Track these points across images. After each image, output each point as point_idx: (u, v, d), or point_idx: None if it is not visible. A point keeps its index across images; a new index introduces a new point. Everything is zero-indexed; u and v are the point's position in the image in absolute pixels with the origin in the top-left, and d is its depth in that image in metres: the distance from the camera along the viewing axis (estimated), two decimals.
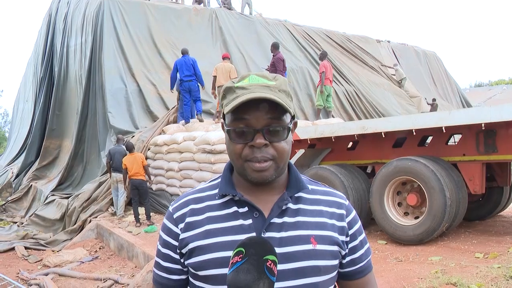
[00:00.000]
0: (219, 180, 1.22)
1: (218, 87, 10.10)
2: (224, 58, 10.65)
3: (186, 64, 9.99)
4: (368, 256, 1.25)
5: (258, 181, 1.12)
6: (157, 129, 10.36)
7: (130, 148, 8.74)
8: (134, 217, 8.42)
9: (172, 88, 10.48)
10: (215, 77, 10.22)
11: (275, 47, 10.44)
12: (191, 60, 10.06)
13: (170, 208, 1.22)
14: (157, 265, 1.23)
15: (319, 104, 11.64)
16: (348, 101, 15.02)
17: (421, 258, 4.80)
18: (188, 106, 10.19)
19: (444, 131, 5.26)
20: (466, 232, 5.89)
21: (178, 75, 10.26)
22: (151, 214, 8.73)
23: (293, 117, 1.17)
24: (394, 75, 18.13)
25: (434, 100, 17.93)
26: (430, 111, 17.52)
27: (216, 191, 1.19)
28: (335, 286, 1.21)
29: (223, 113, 1.17)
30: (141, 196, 8.58)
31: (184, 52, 10.21)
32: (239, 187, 1.18)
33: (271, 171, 1.11)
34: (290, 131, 1.15)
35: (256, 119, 1.09)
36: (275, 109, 1.10)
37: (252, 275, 0.96)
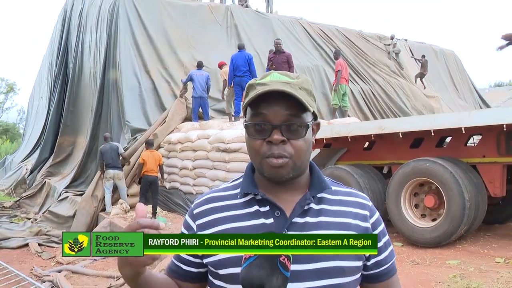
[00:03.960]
0: (241, 180, 1.23)
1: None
2: (221, 65, 11.15)
3: (241, 59, 10.03)
4: (392, 258, 1.24)
5: (274, 178, 1.12)
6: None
7: (150, 145, 9.21)
8: None
9: (229, 84, 10.42)
10: (225, 80, 10.55)
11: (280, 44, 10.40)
12: (247, 56, 10.11)
13: (193, 204, 1.25)
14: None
15: (335, 103, 11.54)
16: (364, 100, 14.95)
17: (438, 262, 4.76)
18: (239, 100, 10.20)
19: (464, 132, 5.19)
20: (486, 235, 5.83)
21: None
22: (164, 213, 8.82)
23: (315, 118, 1.17)
24: (392, 46, 18.40)
25: (423, 56, 17.99)
26: (421, 68, 17.72)
27: (238, 190, 1.20)
28: None
29: (244, 111, 1.18)
30: (152, 192, 8.92)
31: (241, 47, 10.33)
32: (261, 186, 1.18)
33: (287, 169, 1.11)
34: (311, 131, 1.15)
35: (274, 115, 1.10)
36: (295, 106, 1.10)
37: (265, 271, 0.96)
